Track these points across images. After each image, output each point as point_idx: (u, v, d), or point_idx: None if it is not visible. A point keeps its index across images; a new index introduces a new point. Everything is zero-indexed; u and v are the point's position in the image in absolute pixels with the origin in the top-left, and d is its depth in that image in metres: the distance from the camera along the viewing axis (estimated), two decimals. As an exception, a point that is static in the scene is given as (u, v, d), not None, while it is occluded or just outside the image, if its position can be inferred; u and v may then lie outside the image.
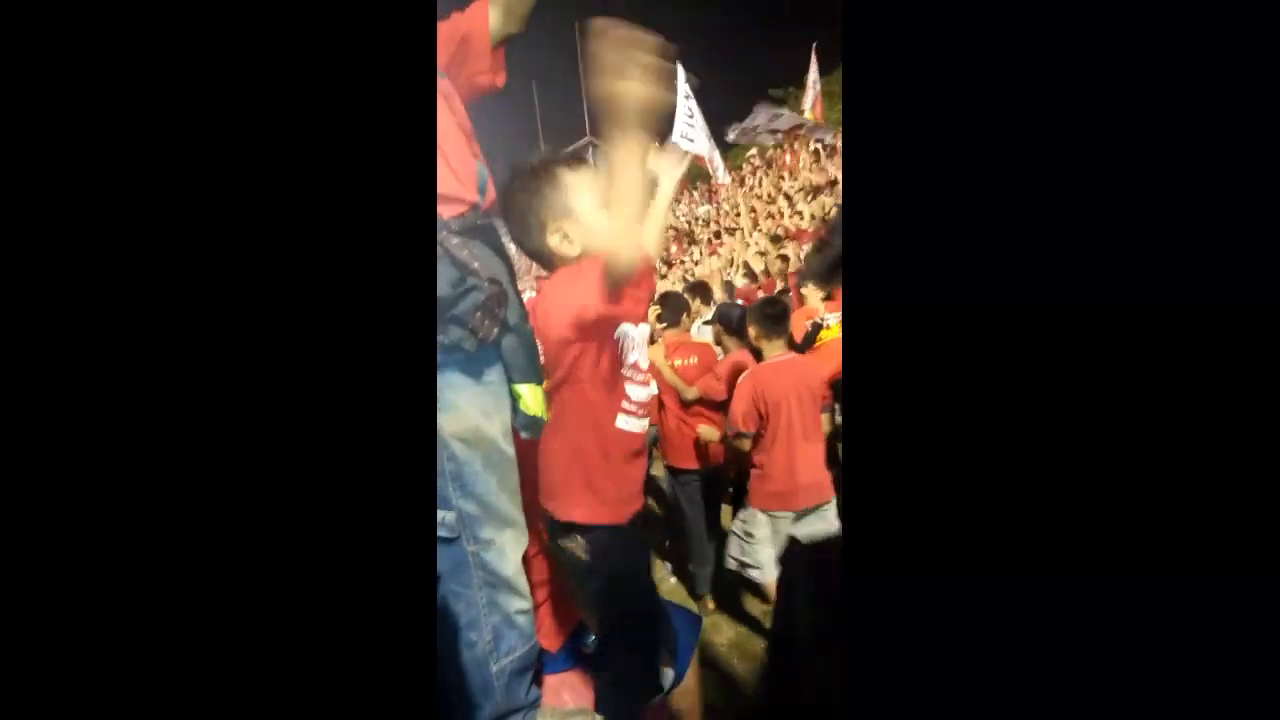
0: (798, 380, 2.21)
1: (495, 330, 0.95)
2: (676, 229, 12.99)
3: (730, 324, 2.77)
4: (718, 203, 12.51)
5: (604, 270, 0.89)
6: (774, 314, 2.29)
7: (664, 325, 3.04)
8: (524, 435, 1.06)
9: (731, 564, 2.41)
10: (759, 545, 2.29)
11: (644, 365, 1.08)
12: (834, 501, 2.23)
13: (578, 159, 1.07)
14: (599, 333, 0.99)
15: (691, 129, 9.17)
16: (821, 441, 2.23)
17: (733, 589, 2.74)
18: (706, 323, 3.33)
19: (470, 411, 0.96)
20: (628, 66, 0.74)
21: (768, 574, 2.29)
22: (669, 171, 1.20)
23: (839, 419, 2.48)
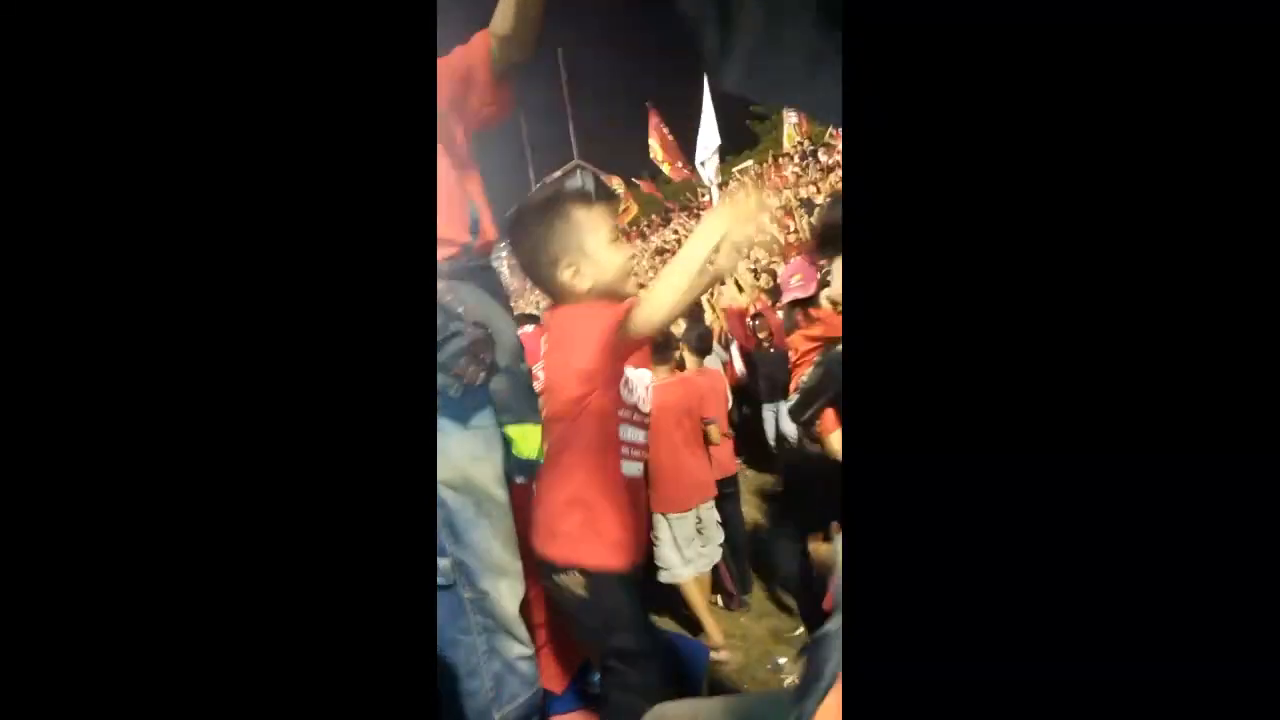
0: (681, 398, 2.51)
1: (481, 374, 0.95)
2: (667, 249, 13.07)
3: (691, 343, 3.08)
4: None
5: (620, 326, 0.92)
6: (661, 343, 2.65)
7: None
8: (518, 480, 1.05)
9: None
10: (663, 546, 2.49)
11: (645, 409, 1.08)
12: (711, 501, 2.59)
13: (587, 197, 1.09)
14: (609, 376, 1.00)
15: (706, 139, 9.51)
16: (702, 449, 2.55)
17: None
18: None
19: (459, 458, 0.96)
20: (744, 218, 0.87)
21: (676, 575, 2.51)
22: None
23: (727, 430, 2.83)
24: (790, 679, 2.33)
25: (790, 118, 12.89)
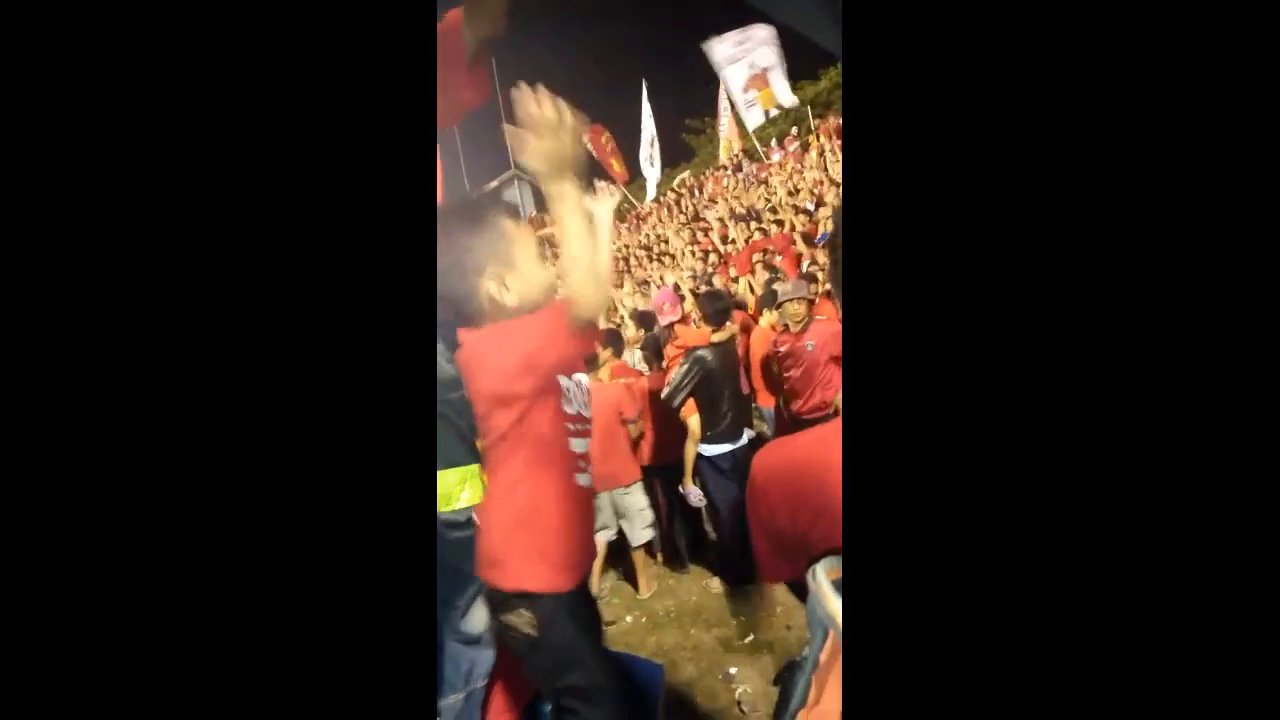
0: (604, 402, 2.91)
1: None
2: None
3: (651, 349, 3.53)
4: (644, 229, 12.74)
5: (570, 316, 0.89)
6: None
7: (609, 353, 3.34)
8: (449, 535, 1.00)
9: None
10: (599, 513, 3.00)
11: (587, 415, 1.05)
12: (638, 483, 3.10)
13: (514, 210, 1.04)
14: (548, 385, 0.96)
15: (647, 150, 9.66)
16: (622, 441, 3.03)
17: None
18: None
19: None
20: (540, 129, 0.83)
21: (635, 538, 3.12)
22: (603, 210, 1.16)
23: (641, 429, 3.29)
24: (742, 688, 2.38)
25: (723, 130, 13.21)
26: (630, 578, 3.30)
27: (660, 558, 3.43)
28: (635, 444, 3.20)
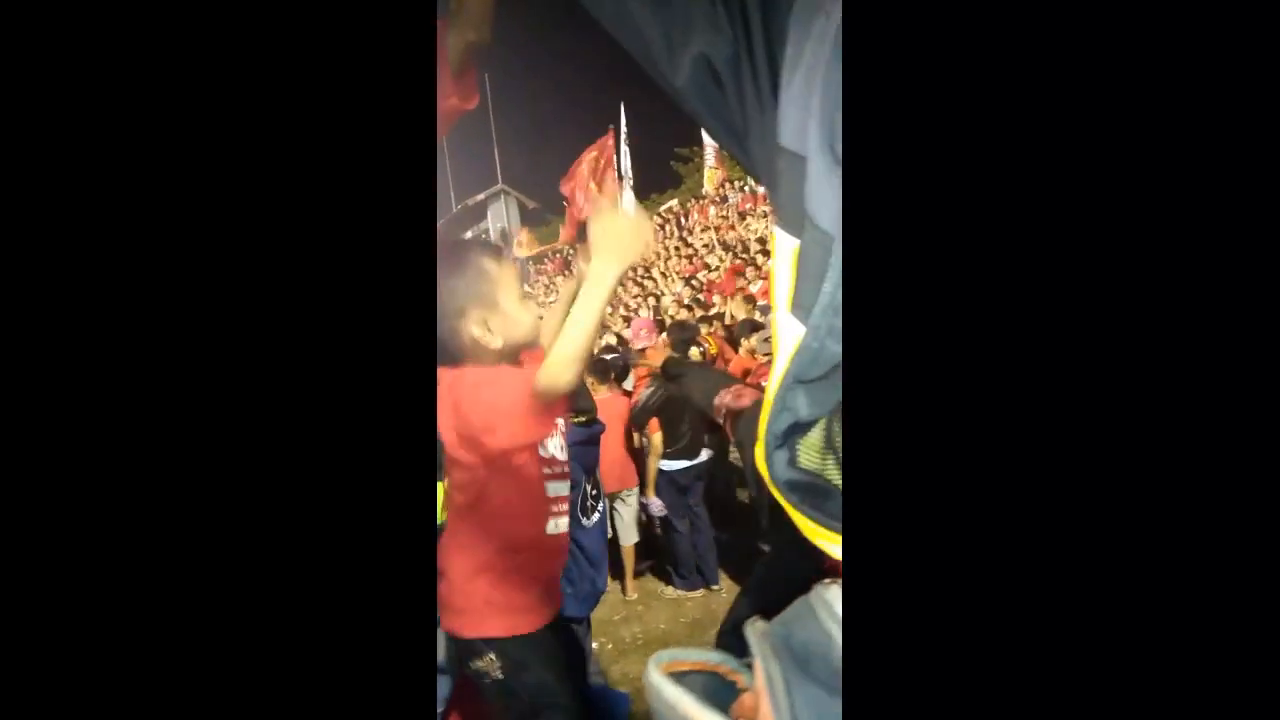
0: (613, 412, 3.16)
1: None
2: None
3: (606, 372, 3.73)
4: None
5: (536, 392, 0.87)
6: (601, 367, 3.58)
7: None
8: None
9: None
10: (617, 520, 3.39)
11: (561, 458, 1.04)
12: (634, 489, 3.39)
13: (495, 249, 1.04)
14: (533, 439, 0.95)
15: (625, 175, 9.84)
16: (625, 448, 3.35)
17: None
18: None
19: None
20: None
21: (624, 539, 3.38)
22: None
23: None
24: None
25: (709, 160, 13.47)
26: (619, 579, 3.49)
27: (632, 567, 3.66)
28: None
